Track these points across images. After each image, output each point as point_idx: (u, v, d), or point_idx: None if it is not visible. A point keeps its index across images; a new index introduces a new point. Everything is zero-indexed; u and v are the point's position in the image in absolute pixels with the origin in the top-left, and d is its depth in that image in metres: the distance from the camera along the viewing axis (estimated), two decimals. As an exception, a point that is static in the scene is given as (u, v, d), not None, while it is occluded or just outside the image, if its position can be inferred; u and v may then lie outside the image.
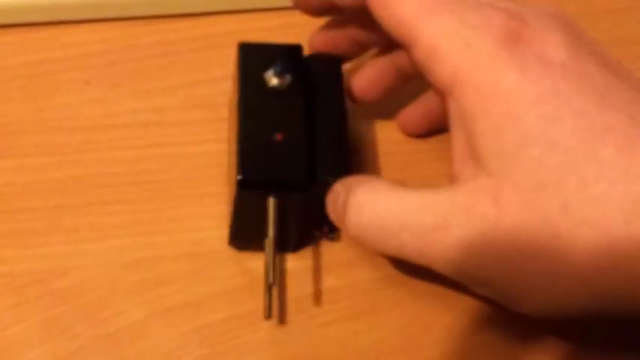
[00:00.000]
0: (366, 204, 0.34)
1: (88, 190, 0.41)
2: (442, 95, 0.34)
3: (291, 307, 0.38)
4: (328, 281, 0.38)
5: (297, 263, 0.39)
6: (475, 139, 0.32)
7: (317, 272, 0.39)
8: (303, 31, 0.48)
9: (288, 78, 0.37)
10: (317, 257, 0.39)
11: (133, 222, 0.39)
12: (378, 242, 0.35)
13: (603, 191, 0.29)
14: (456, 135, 0.33)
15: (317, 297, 0.38)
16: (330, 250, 0.39)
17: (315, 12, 0.40)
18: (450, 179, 0.35)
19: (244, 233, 0.38)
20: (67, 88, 0.45)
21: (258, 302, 0.37)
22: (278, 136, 0.36)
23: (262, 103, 0.37)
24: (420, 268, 0.38)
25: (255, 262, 0.38)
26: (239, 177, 0.35)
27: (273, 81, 0.37)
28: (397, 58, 0.40)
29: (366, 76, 0.41)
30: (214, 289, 0.38)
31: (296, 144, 0.36)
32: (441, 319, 0.37)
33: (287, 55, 0.38)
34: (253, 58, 0.38)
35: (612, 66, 0.33)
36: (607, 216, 0.29)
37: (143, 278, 0.38)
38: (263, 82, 0.37)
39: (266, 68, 0.37)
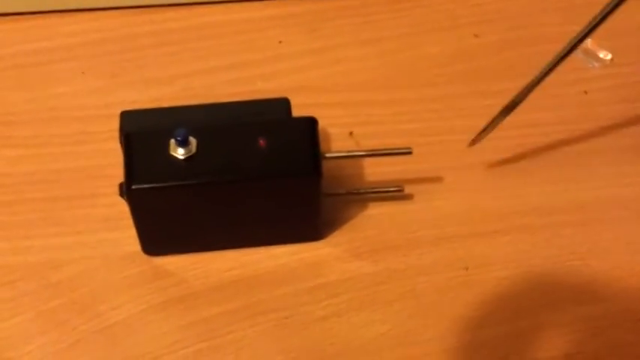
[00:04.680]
0: None
1: (84, 182, 0.41)
2: None
3: (289, 301, 0.37)
4: (328, 275, 0.38)
5: (295, 257, 0.38)
6: None
7: (316, 267, 0.38)
8: (303, 21, 0.48)
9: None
10: (315, 252, 0.39)
11: (130, 215, 0.39)
12: None
13: None
14: None
15: (316, 291, 0.38)
16: (328, 245, 0.39)
17: None
18: None
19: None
20: (63, 77, 0.45)
21: (254, 296, 0.37)
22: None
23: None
24: (419, 263, 0.39)
25: (251, 257, 0.38)
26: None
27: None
28: None
29: None
30: (211, 283, 0.38)
31: None
32: (442, 314, 0.37)
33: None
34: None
35: None
36: None
37: (140, 271, 0.38)
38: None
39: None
